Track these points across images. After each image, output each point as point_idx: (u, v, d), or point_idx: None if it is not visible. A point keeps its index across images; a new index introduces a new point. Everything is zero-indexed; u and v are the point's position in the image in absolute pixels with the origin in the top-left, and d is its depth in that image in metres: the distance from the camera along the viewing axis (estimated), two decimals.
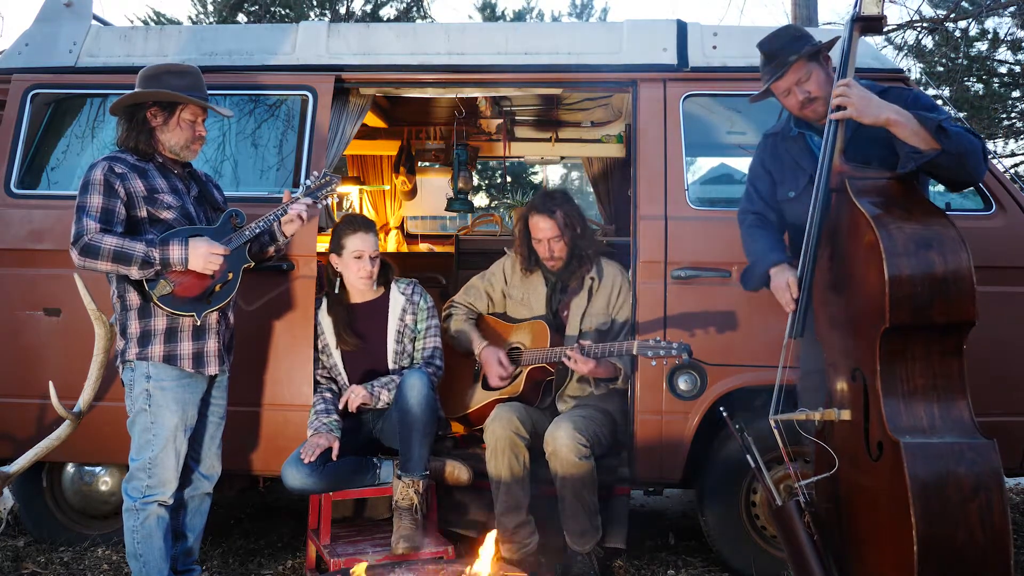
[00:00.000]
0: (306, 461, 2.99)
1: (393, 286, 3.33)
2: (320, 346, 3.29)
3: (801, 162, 2.70)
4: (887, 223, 2.24)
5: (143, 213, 2.71)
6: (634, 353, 3.05)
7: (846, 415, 2.38)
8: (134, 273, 2.63)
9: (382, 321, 3.28)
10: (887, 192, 2.37)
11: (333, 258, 3.27)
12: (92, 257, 2.59)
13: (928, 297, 2.18)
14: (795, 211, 2.70)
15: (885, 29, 2.57)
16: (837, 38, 2.60)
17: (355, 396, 3.14)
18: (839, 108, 2.40)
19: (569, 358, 3.14)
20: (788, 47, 2.58)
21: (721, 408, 2.69)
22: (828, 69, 2.60)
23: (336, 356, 3.27)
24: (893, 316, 2.17)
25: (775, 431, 2.50)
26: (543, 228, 3.33)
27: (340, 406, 3.18)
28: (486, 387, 3.49)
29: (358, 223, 3.25)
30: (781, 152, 2.78)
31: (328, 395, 3.23)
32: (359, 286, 3.27)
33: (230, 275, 2.78)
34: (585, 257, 3.38)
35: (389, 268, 3.35)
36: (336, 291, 3.30)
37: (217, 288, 2.76)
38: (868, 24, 2.47)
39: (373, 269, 3.23)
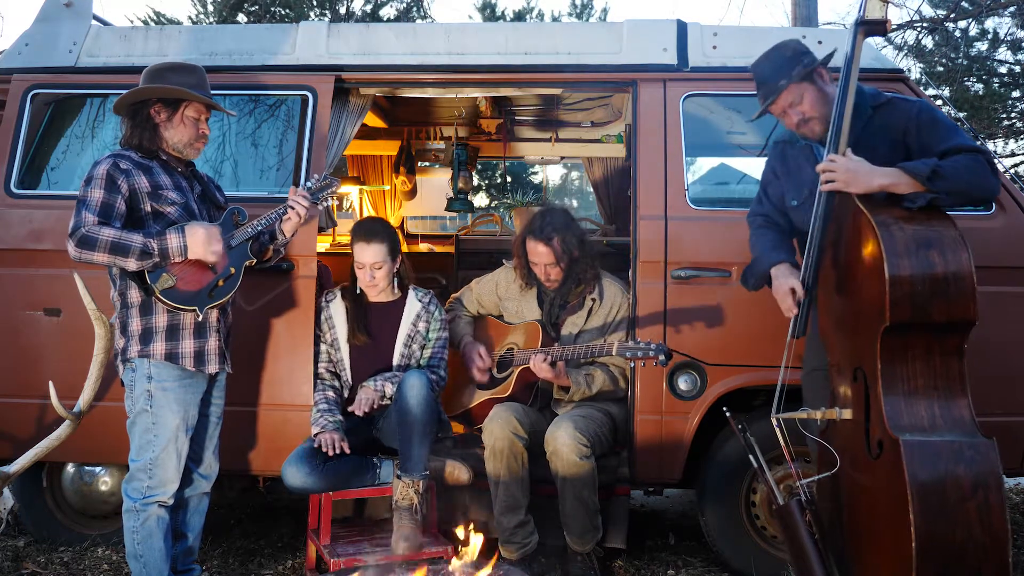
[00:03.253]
0: (330, 454, 3.01)
1: (411, 292, 3.32)
2: (329, 340, 3.29)
3: (804, 173, 2.70)
4: (888, 223, 2.25)
5: (147, 208, 2.71)
6: (613, 353, 3.06)
7: (847, 414, 2.39)
8: (131, 264, 2.62)
9: (395, 323, 3.28)
10: (890, 193, 2.37)
11: (351, 259, 3.27)
12: (88, 249, 2.58)
13: (928, 296, 2.19)
14: (799, 218, 2.70)
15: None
16: (832, 52, 2.60)
17: (365, 399, 3.12)
18: (828, 182, 2.40)
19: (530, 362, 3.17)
20: (779, 71, 2.55)
21: (724, 408, 2.69)
22: (825, 85, 2.57)
23: (344, 351, 3.27)
24: (893, 315, 2.18)
25: (777, 430, 2.50)
26: (539, 253, 3.31)
27: (359, 412, 3.12)
28: (481, 386, 3.50)
29: (362, 232, 3.21)
30: (789, 160, 2.78)
31: (331, 394, 3.24)
32: (367, 291, 3.27)
33: (232, 270, 2.79)
34: (583, 279, 3.36)
35: (404, 273, 3.32)
36: (357, 290, 3.29)
37: (220, 283, 2.76)
38: (872, 27, 2.46)
39: (377, 279, 3.20)
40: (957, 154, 2.36)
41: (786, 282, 2.56)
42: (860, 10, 2.45)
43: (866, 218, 2.28)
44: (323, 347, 3.29)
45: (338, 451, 3.02)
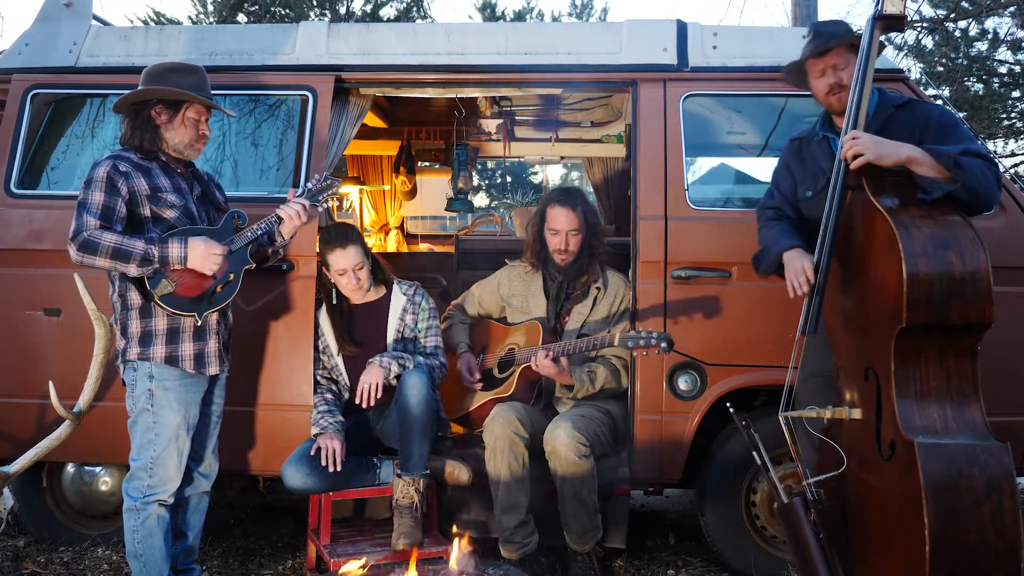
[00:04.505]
0: (330, 469, 2.99)
1: (395, 286, 3.32)
2: (321, 347, 3.29)
3: (822, 164, 2.73)
4: (906, 223, 2.23)
5: (146, 211, 2.71)
6: (616, 344, 3.07)
7: (857, 414, 2.38)
8: (132, 271, 2.63)
9: (382, 321, 3.28)
10: (905, 191, 2.36)
11: (324, 270, 3.25)
12: (90, 253, 2.59)
13: (945, 297, 2.18)
14: (812, 210, 2.71)
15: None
16: (884, 47, 2.64)
17: (369, 385, 3.05)
18: (856, 156, 2.39)
19: (531, 360, 3.18)
20: (839, 31, 2.63)
21: (728, 404, 2.69)
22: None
23: (337, 358, 3.27)
24: (910, 316, 2.17)
25: (784, 428, 2.50)
26: (563, 220, 3.33)
27: (365, 405, 3.09)
28: (483, 388, 3.50)
29: (335, 239, 3.17)
30: (805, 155, 2.81)
31: (329, 396, 3.23)
32: (352, 296, 3.27)
33: (231, 276, 2.79)
34: (595, 256, 3.39)
35: (380, 267, 3.32)
36: (334, 301, 3.28)
37: (218, 289, 2.76)
38: (889, 22, 2.45)
39: (361, 280, 3.20)
40: (973, 157, 2.38)
41: (800, 262, 2.56)
42: (878, 4, 2.44)
43: (882, 217, 2.26)
44: (318, 354, 3.29)
45: (338, 467, 3.01)
